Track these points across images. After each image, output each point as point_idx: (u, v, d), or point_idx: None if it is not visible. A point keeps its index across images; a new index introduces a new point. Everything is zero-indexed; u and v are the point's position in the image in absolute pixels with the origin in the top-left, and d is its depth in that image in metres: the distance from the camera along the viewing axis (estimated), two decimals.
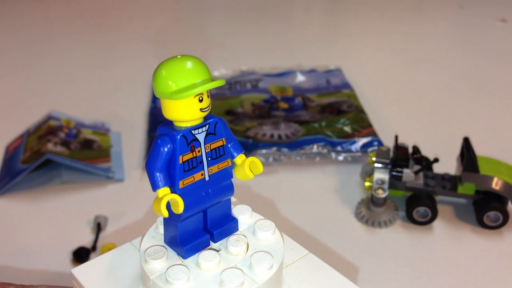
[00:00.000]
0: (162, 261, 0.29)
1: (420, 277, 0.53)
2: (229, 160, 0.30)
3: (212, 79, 0.28)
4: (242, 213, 0.32)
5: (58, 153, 0.65)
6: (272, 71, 0.91)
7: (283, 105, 0.80)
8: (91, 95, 0.87)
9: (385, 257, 0.55)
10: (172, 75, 0.27)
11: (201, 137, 0.28)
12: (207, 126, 0.28)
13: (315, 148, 0.69)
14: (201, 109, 0.27)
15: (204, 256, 0.29)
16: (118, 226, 0.58)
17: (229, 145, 0.30)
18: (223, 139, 0.29)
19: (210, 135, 0.29)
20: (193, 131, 0.28)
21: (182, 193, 0.28)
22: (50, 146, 0.65)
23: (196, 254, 0.30)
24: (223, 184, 0.30)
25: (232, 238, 0.30)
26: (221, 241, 0.31)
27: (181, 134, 0.28)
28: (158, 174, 0.28)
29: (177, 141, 0.28)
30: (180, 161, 0.28)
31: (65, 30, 1.12)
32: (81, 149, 0.68)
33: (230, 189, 0.31)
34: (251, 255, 0.29)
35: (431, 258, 0.55)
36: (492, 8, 1.22)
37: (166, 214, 0.27)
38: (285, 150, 0.69)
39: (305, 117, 0.77)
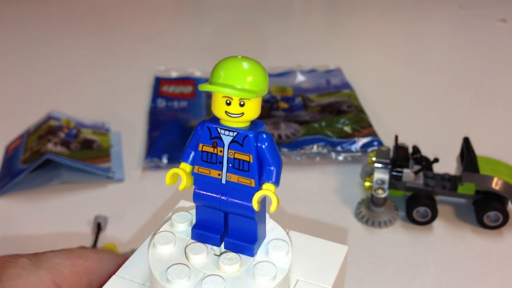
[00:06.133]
0: (170, 246, 0.29)
1: (420, 277, 0.53)
2: (253, 181, 0.28)
3: (247, 91, 0.26)
4: (276, 250, 0.29)
5: (58, 153, 0.65)
6: (272, 71, 0.91)
7: (283, 105, 0.80)
8: (91, 95, 0.87)
9: (385, 257, 0.55)
10: (215, 67, 0.27)
11: (226, 139, 0.28)
12: (235, 133, 0.27)
13: (315, 148, 0.69)
14: (226, 112, 0.27)
15: (193, 248, 0.29)
16: (118, 226, 0.58)
17: (267, 167, 0.28)
18: (251, 156, 0.27)
19: (236, 143, 0.28)
20: (219, 129, 0.28)
21: (196, 178, 0.29)
22: (50, 146, 0.65)
23: (195, 244, 0.29)
24: (241, 201, 0.28)
25: (229, 255, 0.29)
26: (227, 251, 0.30)
27: (207, 125, 0.28)
28: (188, 150, 0.29)
29: (201, 129, 0.28)
30: (199, 148, 0.28)
31: (65, 30, 1.12)
32: (81, 149, 0.68)
33: (248, 210, 0.28)
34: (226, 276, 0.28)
35: (431, 258, 0.55)
36: (492, 8, 1.22)
37: (167, 182, 0.28)
38: (285, 150, 0.69)
39: (305, 117, 0.77)
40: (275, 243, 0.29)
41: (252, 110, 0.27)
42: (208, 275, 0.28)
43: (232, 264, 0.28)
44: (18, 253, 0.32)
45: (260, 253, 0.29)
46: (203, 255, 0.29)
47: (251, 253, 0.29)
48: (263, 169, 0.28)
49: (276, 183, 0.28)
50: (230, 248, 0.30)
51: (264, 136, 0.27)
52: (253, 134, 0.27)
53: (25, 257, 0.30)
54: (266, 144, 0.27)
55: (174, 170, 0.28)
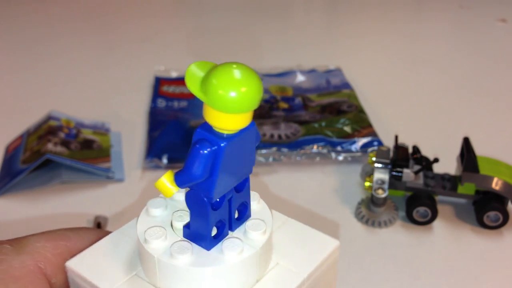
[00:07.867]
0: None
1: (420, 277, 0.53)
2: None
3: (198, 90, 0.25)
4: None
5: (58, 153, 0.65)
6: (272, 71, 0.91)
7: (283, 105, 0.80)
8: (91, 95, 0.87)
9: (385, 257, 0.55)
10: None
11: None
12: None
13: (315, 148, 0.69)
14: None
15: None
16: (118, 226, 0.58)
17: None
18: None
19: None
20: None
21: None
22: (50, 146, 0.65)
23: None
24: None
25: (177, 213, 0.30)
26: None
27: None
28: None
29: None
30: None
31: (65, 30, 1.12)
32: (81, 149, 0.68)
33: None
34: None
35: (431, 258, 0.55)
36: (492, 8, 1.22)
37: None
38: (285, 150, 0.69)
39: (305, 117, 0.77)
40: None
41: (205, 112, 0.26)
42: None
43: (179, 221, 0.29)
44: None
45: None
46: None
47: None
48: None
49: (176, 181, 0.27)
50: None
51: (199, 141, 0.26)
52: (198, 130, 0.26)
53: (6, 243, 0.30)
54: (192, 148, 0.26)
55: None
